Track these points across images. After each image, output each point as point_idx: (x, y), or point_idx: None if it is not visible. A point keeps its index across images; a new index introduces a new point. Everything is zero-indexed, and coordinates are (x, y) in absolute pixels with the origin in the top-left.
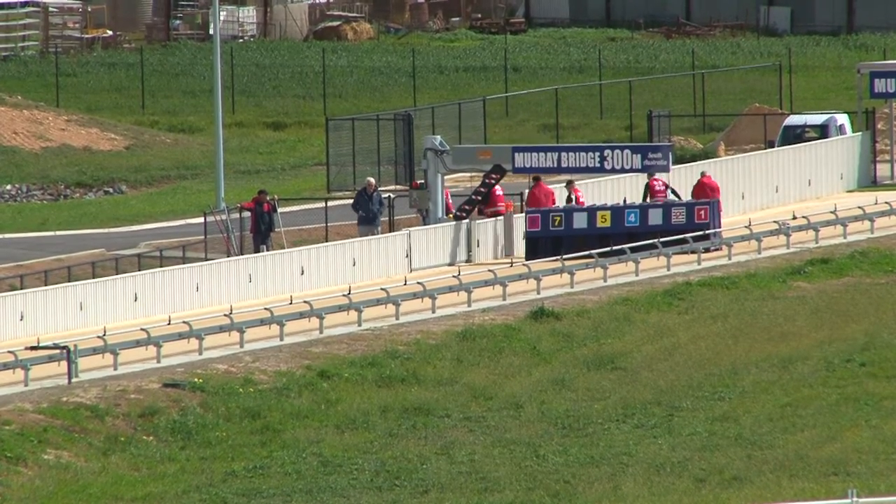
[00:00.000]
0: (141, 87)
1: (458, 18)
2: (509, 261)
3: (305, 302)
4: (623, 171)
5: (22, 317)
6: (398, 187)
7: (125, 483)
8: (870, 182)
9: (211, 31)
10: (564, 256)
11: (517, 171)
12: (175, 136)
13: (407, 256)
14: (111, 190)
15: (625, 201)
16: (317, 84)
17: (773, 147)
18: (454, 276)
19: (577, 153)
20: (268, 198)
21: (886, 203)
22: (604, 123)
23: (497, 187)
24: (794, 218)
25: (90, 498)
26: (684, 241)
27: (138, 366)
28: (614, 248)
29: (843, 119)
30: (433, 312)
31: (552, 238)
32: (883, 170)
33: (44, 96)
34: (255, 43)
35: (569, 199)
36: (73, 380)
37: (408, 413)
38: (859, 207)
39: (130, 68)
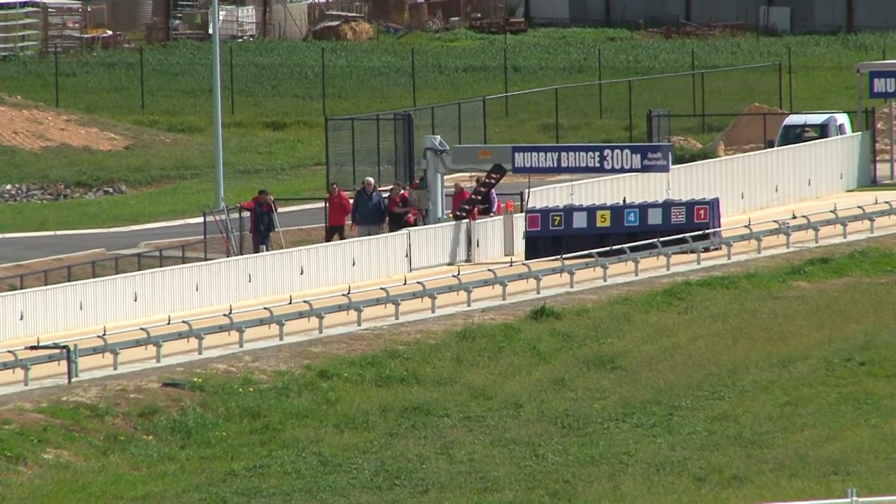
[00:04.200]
0: (140, 87)
1: (457, 18)
2: (509, 260)
3: (305, 302)
4: (623, 170)
5: (22, 316)
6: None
7: (125, 482)
8: (869, 182)
9: (210, 31)
10: (564, 256)
11: (517, 171)
12: (175, 135)
13: (407, 256)
14: (111, 190)
15: (624, 201)
16: (316, 84)
17: (772, 147)
18: (454, 276)
19: (577, 153)
20: (267, 197)
21: (886, 202)
22: (603, 123)
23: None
24: (794, 217)
25: (90, 497)
26: (684, 240)
27: (138, 365)
28: (614, 247)
29: (842, 119)
30: (433, 312)
31: (552, 237)
32: (883, 169)
33: (43, 96)
34: (255, 43)
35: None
36: (73, 379)
37: (407, 413)
38: (859, 207)
39: (130, 68)
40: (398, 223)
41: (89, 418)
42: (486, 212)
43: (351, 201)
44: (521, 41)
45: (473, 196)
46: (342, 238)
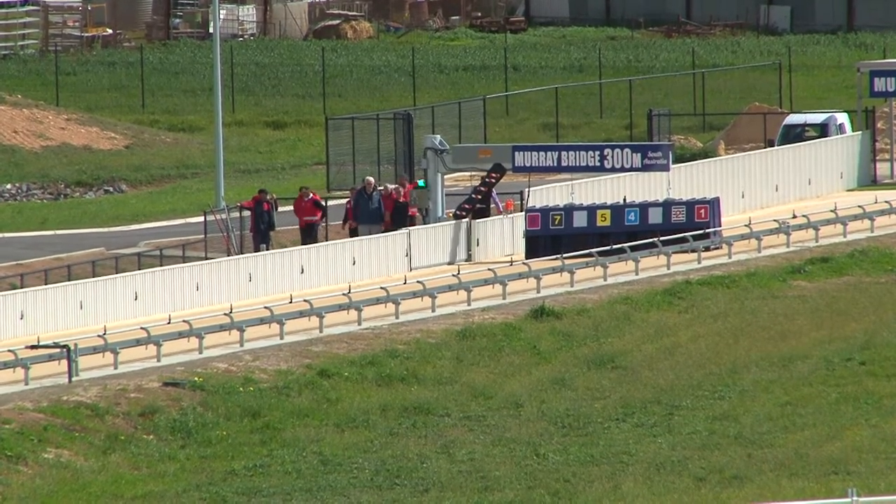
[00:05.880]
0: (141, 86)
1: (457, 17)
2: (509, 259)
3: (305, 301)
4: (623, 170)
5: (22, 316)
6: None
7: (125, 482)
8: (870, 181)
9: (211, 30)
10: (564, 255)
11: (517, 171)
12: (175, 135)
13: (407, 255)
14: (111, 189)
15: (624, 200)
16: (316, 83)
17: (772, 146)
18: (454, 275)
19: (577, 152)
20: (267, 196)
21: (886, 202)
22: (604, 122)
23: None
24: (794, 217)
25: (90, 497)
26: (684, 239)
27: (138, 365)
28: (614, 246)
29: (842, 118)
30: (433, 311)
31: (552, 237)
32: (883, 169)
33: (44, 95)
34: (255, 42)
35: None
36: (74, 379)
37: (408, 412)
38: (859, 206)
39: (130, 67)
40: (399, 222)
41: (89, 418)
42: (482, 213)
43: (323, 203)
44: (521, 40)
45: (473, 195)
46: (307, 242)
